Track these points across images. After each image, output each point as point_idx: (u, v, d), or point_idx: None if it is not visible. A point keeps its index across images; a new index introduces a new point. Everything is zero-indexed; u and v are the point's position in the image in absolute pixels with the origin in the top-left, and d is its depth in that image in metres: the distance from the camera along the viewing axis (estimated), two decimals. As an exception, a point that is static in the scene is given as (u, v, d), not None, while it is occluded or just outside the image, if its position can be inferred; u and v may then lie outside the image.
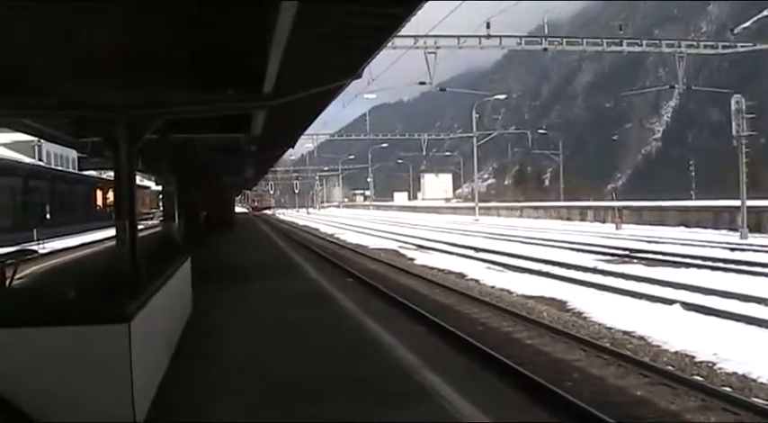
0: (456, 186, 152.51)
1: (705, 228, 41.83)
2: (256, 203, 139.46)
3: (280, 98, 15.04)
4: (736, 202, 36.49)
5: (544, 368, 11.02)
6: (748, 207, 35.78)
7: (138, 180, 63.63)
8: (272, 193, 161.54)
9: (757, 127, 36.30)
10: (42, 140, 45.89)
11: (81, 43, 11.57)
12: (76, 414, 6.04)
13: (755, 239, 33.07)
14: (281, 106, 16.63)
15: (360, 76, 17.17)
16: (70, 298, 7.64)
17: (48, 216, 53.26)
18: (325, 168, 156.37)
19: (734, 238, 34.05)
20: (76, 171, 47.58)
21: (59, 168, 62.33)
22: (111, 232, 15.79)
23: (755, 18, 39.14)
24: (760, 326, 13.62)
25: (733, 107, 35.60)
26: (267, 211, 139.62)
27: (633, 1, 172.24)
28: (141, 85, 13.04)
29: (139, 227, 15.35)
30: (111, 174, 14.95)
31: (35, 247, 34.31)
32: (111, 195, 60.00)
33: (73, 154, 39.37)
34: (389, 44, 18.83)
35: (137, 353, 6.48)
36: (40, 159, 61.21)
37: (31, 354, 6.09)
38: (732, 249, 29.07)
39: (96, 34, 11.12)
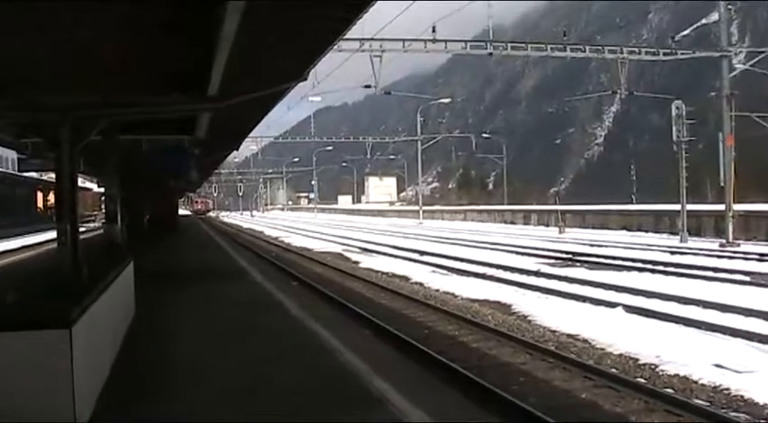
0: (400, 190, 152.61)
1: (646, 231, 42.50)
2: (200, 206, 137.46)
3: (224, 101, 14.93)
4: (677, 207, 37.08)
5: (490, 372, 11.06)
6: (688, 211, 36.38)
7: (80, 182, 62.79)
8: (215, 195, 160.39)
9: (697, 132, 36.89)
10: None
11: (25, 44, 11.37)
12: (16, 419, 5.94)
13: (695, 243, 33.66)
14: (226, 109, 16.50)
15: (305, 79, 17.11)
16: (9, 302, 7.50)
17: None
18: (270, 171, 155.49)
19: (674, 241, 34.60)
20: (16, 172, 46.72)
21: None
22: (53, 235, 15.51)
23: (695, 26, 39.90)
24: (699, 328, 13.86)
25: (673, 112, 36.14)
26: (211, 214, 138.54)
27: (579, 1, 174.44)
28: (85, 87, 12.86)
29: (81, 229, 15.15)
30: (53, 175, 14.72)
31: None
32: (52, 197, 59.00)
33: (12, 155, 38.66)
34: (335, 47, 18.79)
35: (79, 358, 6.40)
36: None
37: (-30, 360, 5.99)
38: (672, 253, 29.55)
39: (40, 36, 10.93)
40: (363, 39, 34.41)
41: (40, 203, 71.03)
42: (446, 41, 38.08)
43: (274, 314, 14.29)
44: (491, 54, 40.15)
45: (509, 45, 40.73)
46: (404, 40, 37.17)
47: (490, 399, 9.38)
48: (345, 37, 20.64)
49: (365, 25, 23.67)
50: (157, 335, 12.00)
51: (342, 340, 11.34)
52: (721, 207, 35.21)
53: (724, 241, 32.88)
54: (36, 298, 8.03)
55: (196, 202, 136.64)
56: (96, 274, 10.02)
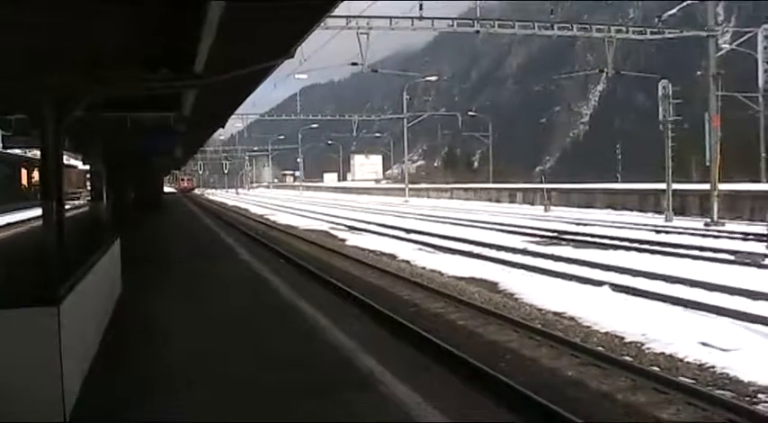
0: (386, 168, 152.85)
1: (631, 210, 42.65)
2: (186, 184, 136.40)
3: (211, 77, 14.84)
4: (662, 186, 37.20)
5: (477, 349, 11.06)
6: (673, 190, 36.49)
7: (65, 159, 62.40)
8: (200, 173, 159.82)
9: (683, 112, 36.93)
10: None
11: (9, 17, 11.24)
12: (5, 397, 5.93)
13: (680, 222, 33.77)
14: (212, 86, 16.42)
15: (292, 57, 17.01)
16: (-3, 280, 7.49)
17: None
18: (255, 148, 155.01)
19: (659, 220, 34.73)
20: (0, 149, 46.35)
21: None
22: (38, 212, 15.44)
23: (682, 5, 39.83)
24: (685, 306, 13.91)
25: (660, 92, 36.15)
26: (196, 192, 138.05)
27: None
28: (71, 66, 12.74)
29: (67, 207, 15.08)
30: (38, 152, 14.60)
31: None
32: (36, 175, 58.65)
33: (-3, 132, 38.39)
34: (322, 25, 18.68)
35: (66, 335, 6.38)
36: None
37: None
38: (657, 232, 29.66)
39: (25, 10, 10.81)
40: (350, 16, 34.30)
41: (24, 181, 70.55)
42: (433, 19, 38.02)
43: (260, 293, 14.30)
44: (478, 32, 40.08)
45: (496, 23, 40.68)
46: (390, 18, 37.08)
47: (477, 376, 9.40)
48: (332, 14, 20.55)
49: (351, 2, 23.57)
50: (143, 312, 11.98)
51: (329, 318, 11.36)
52: (706, 186, 35.34)
53: (709, 220, 33.00)
54: (23, 276, 8.00)
55: (182, 180, 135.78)
56: (82, 251, 9.98)
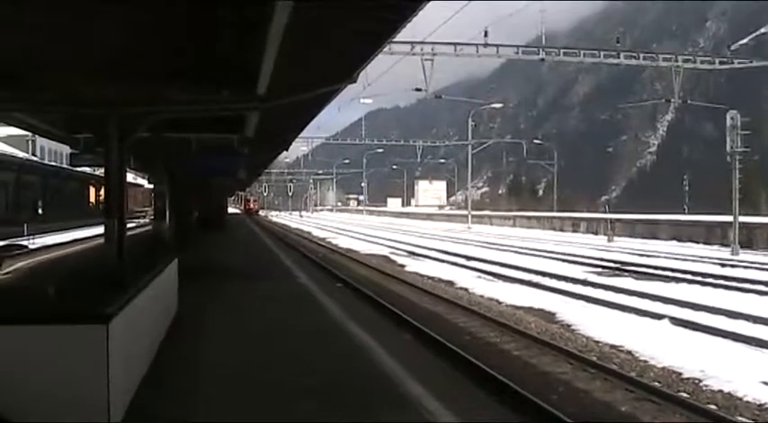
0: (450, 194, 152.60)
1: (697, 242, 41.87)
2: (251, 205, 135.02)
3: (273, 101, 14.97)
4: (729, 218, 36.53)
5: (530, 380, 10.91)
6: (740, 223, 35.81)
7: (132, 178, 63.52)
8: (265, 194, 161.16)
9: (751, 143, 36.33)
10: (36, 135, 45.76)
11: (76, 39, 11.49)
12: (51, 414, 5.99)
13: (746, 256, 33.07)
14: (275, 109, 16.58)
15: (355, 81, 17.11)
16: (50, 296, 7.57)
17: (40, 211, 53.11)
18: (320, 172, 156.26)
19: (725, 253, 34.07)
20: (70, 167, 47.46)
21: (53, 164, 62.17)
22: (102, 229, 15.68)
23: (753, 35, 39.28)
24: (747, 343, 13.57)
25: (728, 123, 35.61)
26: (260, 214, 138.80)
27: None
28: (135, 83, 12.95)
29: (131, 225, 15.30)
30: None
31: (24, 243, 34.28)
32: (103, 192, 59.79)
33: (67, 149, 39.28)
34: (386, 49, 18.77)
35: (115, 354, 6.41)
36: (34, 154, 61.01)
37: (8, 352, 6.03)
38: (723, 265, 29.08)
39: (92, 31, 11.03)
40: (414, 42, 34.38)
41: (92, 198, 72.01)
42: (498, 46, 38.01)
43: (315, 316, 14.34)
44: (543, 60, 39.93)
45: (561, 51, 40.50)
46: (455, 44, 37.13)
47: (529, 408, 9.26)
48: (396, 40, 20.63)
49: (416, 28, 23.60)
50: (198, 334, 12.05)
51: (380, 343, 11.32)
52: (775, 220, 34.62)
53: (776, 255, 32.31)
54: (76, 292, 8.08)
55: (247, 201, 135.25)
56: (140, 270, 10.08)
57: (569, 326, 15.93)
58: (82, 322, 6.28)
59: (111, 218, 13.48)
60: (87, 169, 52.71)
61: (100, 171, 51.54)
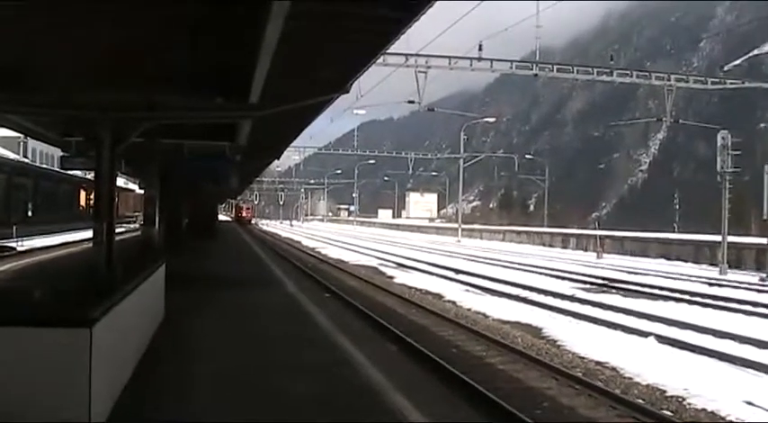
0: (441, 207, 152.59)
1: (685, 261, 41.87)
2: (245, 213, 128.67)
3: (265, 109, 15.02)
4: (718, 238, 36.60)
5: (515, 395, 10.92)
6: (729, 243, 35.87)
7: (123, 182, 63.35)
8: (256, 202, 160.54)
9: (742, 164, 36.42)
10: (28, 137, 45.68)
11: (74, 43, 11.51)
12: (33, 416, 5.97)
13: (734, 275, 33.13)
14: (268, 117, 16.61)
15: (347, 92, 17.17)
16: (36, 299, 7.56)
17: (30, 213, 52.93)
18: (311, 181, 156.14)
19: (713, 273, 34.09)
20: (61, 170, 47.34)
21: (44, 166, 62.01)
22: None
23: (746, 56, 39.43)
24: (732, 363, 13.60)
25: (719, 142, 35.71)
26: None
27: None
28: (130, 88, 12.98)
29: (121, 229, 15.29)
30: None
31: (13, 245, 34.17)
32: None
33: (59, 152, 39.20)
34: (380, 61, 18.82)
35: (98, 357, 6.40)
36: (25, 156, 60.86)
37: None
38: (711, 284, 29.11)
39: (89, 36, 11.06)
40: (408, 54, 34.43)
41: (82, 202, 71.81)
42: (492, 60, 38.09)
43: (302, 325, 14.32)
44: (536, 75, 40.04)
45: (555, 67, 40.65)
46: (449, 57, 37.23)
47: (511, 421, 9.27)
48: (390, 51, 20.67)
49: (410, 40, 23.65)
50: (183, 340, 12.03)
51: (366, 355, 11.31)
52: (763, 240, 34.63)
53: (765, 275, 32.30)
54: (62, 296, 8.07)
55: (240, 209, 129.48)
56: (126, 274, 10.07)
57: (555, 341, 15.94)
58: (66, 326, 6.27)
59: (100, 221, 13.47)
60: (78, 173, 52.61)
61: (91, 175, 51.58)
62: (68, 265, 25.89)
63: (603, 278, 30.31)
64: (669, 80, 39.53)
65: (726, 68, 40.55)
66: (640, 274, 33.11)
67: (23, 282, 20.09)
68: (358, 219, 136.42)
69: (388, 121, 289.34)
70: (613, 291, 26.54)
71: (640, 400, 10.95)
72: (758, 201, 36.92)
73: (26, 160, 59.51)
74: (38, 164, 62.21)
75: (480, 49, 36.50)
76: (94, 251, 13.54)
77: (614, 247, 51.01)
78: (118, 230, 16.82)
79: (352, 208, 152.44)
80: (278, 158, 44.33)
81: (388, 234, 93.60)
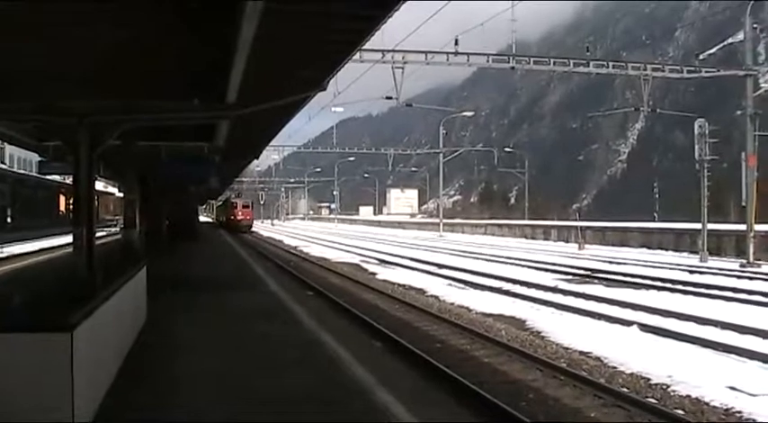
0: (422, 202, 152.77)
1: (666, 250, 42.13)
2: (241, 217, 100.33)
3: (243, 109, 14.98)
4: (698, 226, 36.80)
5: (500, 388, 10.95)
6: (709, 230, 36.07)
7: (102, 186, 62.99)
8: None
9: (720, 152, 36.64)
10: (4, 143, 45.34)
11: (43, 47, 11.44)
12: (15, 419, 5.94)
13: (715, 263, 33.33)
14: (245, 117, 16.56)
15: (324, 89, 17.13)
16: (16, 304, 7.51)
17: (8, 220, 52.55)
18: (291, 180, 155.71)
19: (694, 260, 34.27)
20: (40, 175, 47.02)
21: (21, 172, 61.58)
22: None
23: (720, 45, 39.65)
24: (715, 349, 13.67)
25: (696, 131, 35.87)
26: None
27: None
28: (106, 92, 12.92)
29: (102, 234, 15.22)
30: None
31: (-8, 252, 33.94)
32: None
33: (36, 157, 38.96)
34: (356, 58, 18.80)
35: (79, 362, 6.37)
36: (3, 162, 60.43)
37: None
38: (692, 272, 29.26)
39: (67, 42, 11.00)
40: (384, 50, 34.34)
41: (62, 207, 71.39)
42: (468, 54, 38.06)
43: (285, 324, 14.29)
44: (513, 68, 40.03)
45: (532, 60, 40.66)
46: (426, 53, 37.19)
47: (499, 415, 9.28)
48: (367, 47, 20.64)
49: (385, 36, 23.57)
50: (166, 342, 11.98)
51: (351, 352, 11.30)
52: (743, 227, 34.87)
53: (744, 261, 32.55)
54: (42, 300, 8.02)
55: (234, 208, 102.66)
56: (107, 277, 10.02)
57: (539, 333, 15.99)
58: (47, 330, 6.24)
59: (80, 226, 13.41)
60: (58, 177, 52.31)
61: (70, 179, 51.30)
62: (49, 270, 25.72)
63: (586, 269, 30.44)
64: (645, 70, 39.62)
65: (701, 57, 40.72)
66: (622, 263, 33.29)
67: (3, 288, 19.94)
68: (339, 216, 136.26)
69: (367, 118, 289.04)
70: (596, 281, 26.64)
71: (625, 389, 11.01)
72: (737, 188, 37.18)
73: (3, 166, 59.03)
74: (15, 169, 61.71)
75: (456, 43, 36.50)
76: (75, 255, 13.48)
77: (596, 238, 51.22)
78: (99, 234, 16.73)
79: (332, 206, 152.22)
80: (257, 158, 44.20)
81: (369, 231, 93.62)
